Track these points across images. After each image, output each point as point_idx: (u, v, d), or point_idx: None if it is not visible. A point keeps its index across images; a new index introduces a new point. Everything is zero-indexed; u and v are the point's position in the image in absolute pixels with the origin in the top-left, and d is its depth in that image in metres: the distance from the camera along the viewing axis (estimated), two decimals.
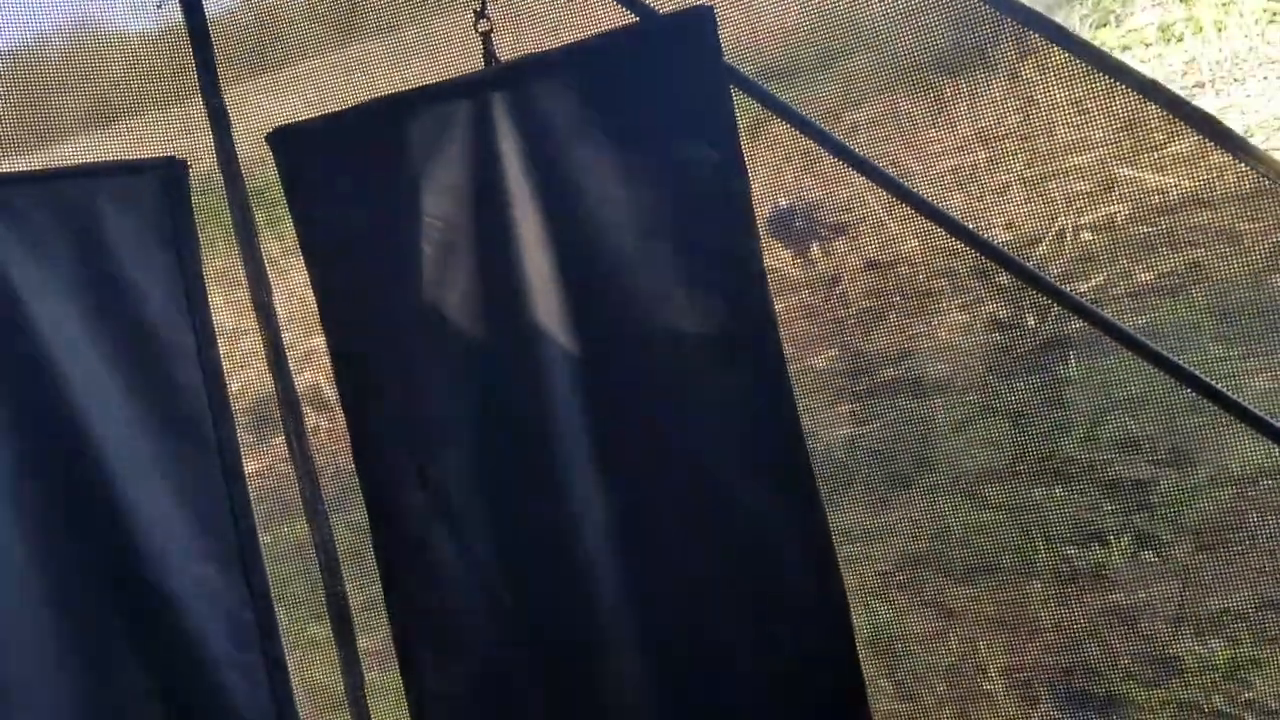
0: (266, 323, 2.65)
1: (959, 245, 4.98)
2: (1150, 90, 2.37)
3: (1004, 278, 4.76)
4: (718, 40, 2.49)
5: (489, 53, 2.61)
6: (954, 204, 4.68)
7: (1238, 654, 3.52)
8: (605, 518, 2.59)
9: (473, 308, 2.59)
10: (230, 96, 2.66)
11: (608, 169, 2.52)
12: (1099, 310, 2.50)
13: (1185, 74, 5.15)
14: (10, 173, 2.45)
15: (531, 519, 2.62)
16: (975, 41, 4.39)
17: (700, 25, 2.49)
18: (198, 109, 2.67)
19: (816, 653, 2.60)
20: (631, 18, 2.71)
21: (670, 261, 2.53)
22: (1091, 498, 4.07)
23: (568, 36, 2.62)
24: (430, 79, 2.61)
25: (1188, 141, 4.73)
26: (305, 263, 2.60)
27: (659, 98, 2.50)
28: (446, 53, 3.00)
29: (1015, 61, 5.03)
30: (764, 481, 2.56)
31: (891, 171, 5.19)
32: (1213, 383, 2.74)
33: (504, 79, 2.55)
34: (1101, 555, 3.94)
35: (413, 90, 2.58)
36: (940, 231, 5.02)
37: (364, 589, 3.12)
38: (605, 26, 2.66)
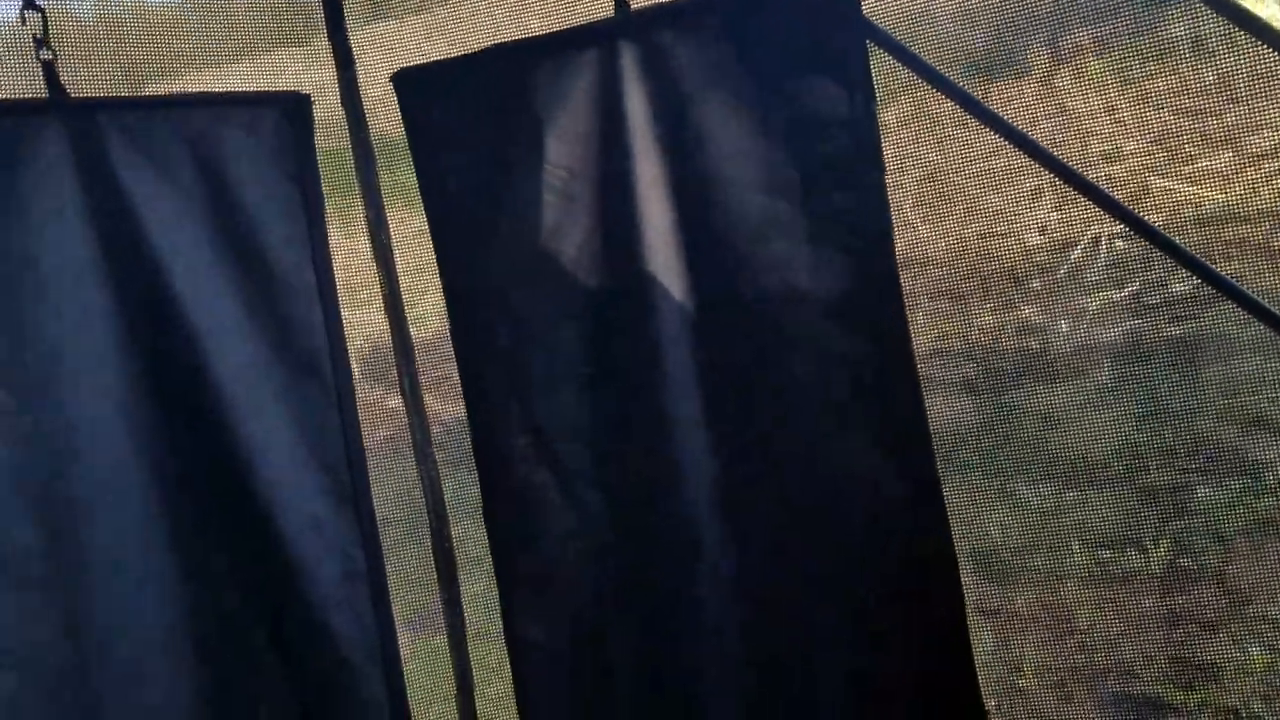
0: (384, 265, 2.58)
1: (990, 248, 5.01)
2: None
3: (1037, 283, 4.79)
4: None
5: None
6: (988, 206, 4.70)
7: (1276, 660, 3.54)
8: (712, 476, 2.55)
9: (589, 258, 2.53)
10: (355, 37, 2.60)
11: (736, 122, 2.47)
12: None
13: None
14: (137, 97, 2.38)
15: (637, 474, 2.57)
16: (1009, 46, 4.40)
17: None
18: (322, 48, 2.60)
19: (926, 628, 2.57)
20: None
21: (795, 219, 2.48)
22: (1129, 504, 4.09)
23: None
24: (557, 26, 2.55)
25: (1220, 157, 4.79)
26: (424, 205, 2.53)
27: (793, 50, 2.46)
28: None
29: (1049, 68, 5.07)
30: (879, 449, 2.52)
31: (921, 170, 5.20)
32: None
33: (633, 27, 2.49)
34: (1139, 561, 3.96)
35: (540, 36, 2.52)
36: (971, 233, 5.04)
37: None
38: None
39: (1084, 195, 2.47)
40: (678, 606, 2.59)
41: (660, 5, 2.51)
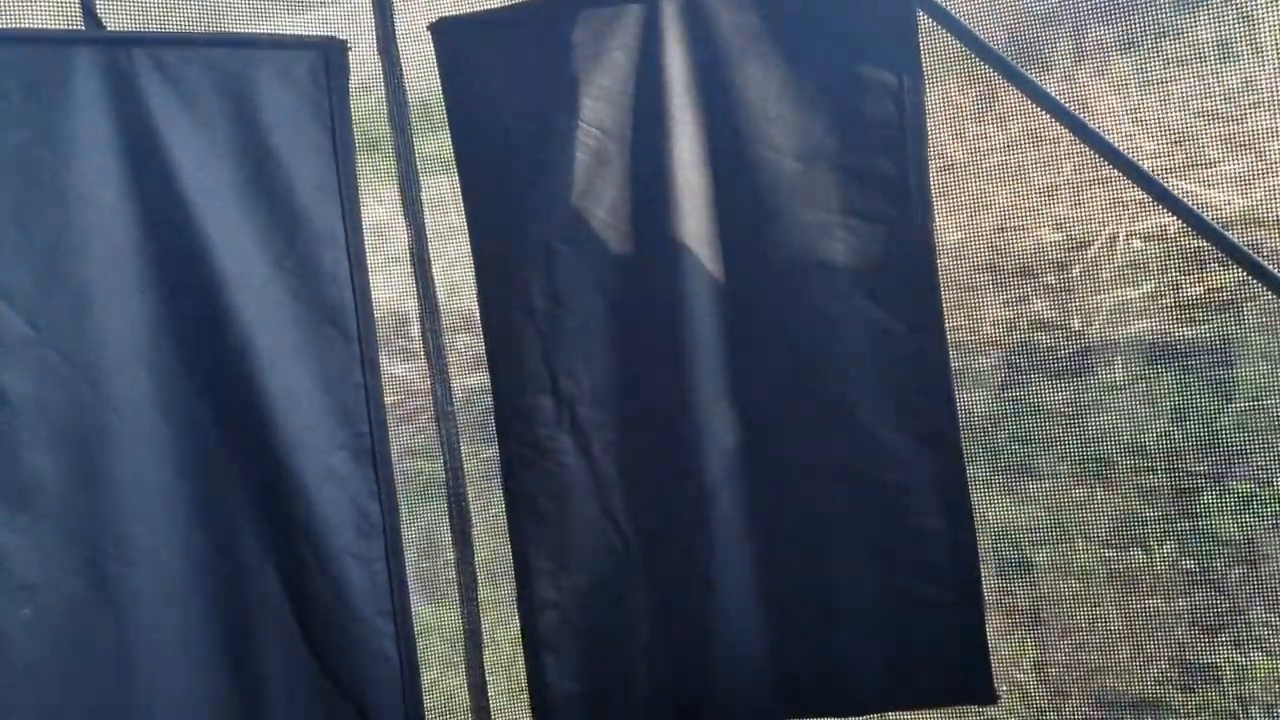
0: (413, 220, 2.55)
1: (1004, 241, 4.96)
2: None
3: (1051, 278, 4.76)
4: None
5: None
6: (1000, 199, 4.66)
7: (1279, 667, 3.53)
8: (733, 445, 2.54)
9: (619, 221, 2.52)
10: None
11: (777, 88, 2.45)
12: None
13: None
14: (173, 33, 2.34)
15: (657, 440, 2.56)
16: (1030, 40, 4.36)
17: None
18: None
19: (941, 602, 2.57)
20: None
21: (832, 188, 2.47)
22: (1134, 503, 4.07)
23: None
24: None
25: (1240, 162, 4.76)
26: (455, 157, 2.50)
27: (840, 17, 2.44)
28: None
29: (1071, 65, 5.03)
30: (905, 425, 2.51)
31: (938, 162, 5.15)
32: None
33: None
34: (1142, 560, 3.94)
35: None
36: (986, 227, 4.99)
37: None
38: None
39: (1139, 186, 2.45)
40: (692, 575, 2.57)
41: None
